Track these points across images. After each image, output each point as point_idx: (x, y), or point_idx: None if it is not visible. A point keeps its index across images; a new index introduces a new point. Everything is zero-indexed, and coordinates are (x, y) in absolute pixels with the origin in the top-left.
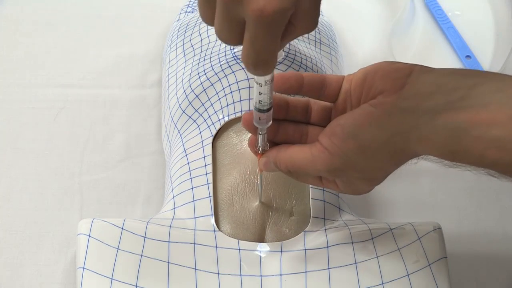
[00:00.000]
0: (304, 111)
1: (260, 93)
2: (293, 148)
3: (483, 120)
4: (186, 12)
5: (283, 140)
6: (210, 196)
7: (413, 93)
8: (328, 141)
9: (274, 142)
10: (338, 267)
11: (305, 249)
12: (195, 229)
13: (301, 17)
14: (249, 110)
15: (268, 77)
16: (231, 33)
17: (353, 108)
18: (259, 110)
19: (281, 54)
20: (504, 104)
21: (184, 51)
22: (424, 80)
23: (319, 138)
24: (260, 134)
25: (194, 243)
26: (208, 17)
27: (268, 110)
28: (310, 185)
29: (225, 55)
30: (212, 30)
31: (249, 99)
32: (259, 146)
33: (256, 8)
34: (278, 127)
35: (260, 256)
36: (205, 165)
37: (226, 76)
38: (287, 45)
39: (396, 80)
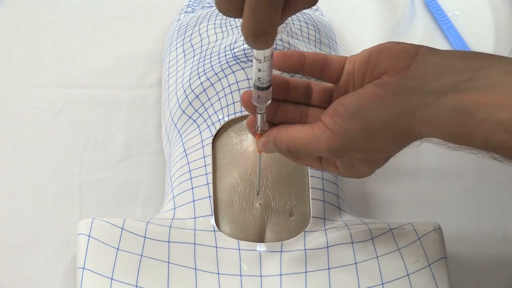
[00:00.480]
0: (305, 92)
1: (259, 70)
2: (294, 128)
3: (489, 102)
4: (186, 12)
5: (283, 121)
6: (210, 196)
7: (419, 74)
8: (331, 121)
9: (273, 123)
10: (338, 267)
11: (305, 249)
12: (195, 229)
13: None
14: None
15: (267, 53)
16: (231, 3)
17: (356, 89)
18: (258, 88)
19: (281, 30)
20: (510, 87)
21: (184, 51)
22: (430, 61)
23: (322, 117)
24: (259, 113)
25: (194, 243)
26: None
27: (267, 88)
28: (310, 185)
29: (225, 55)
30: (212, 30)
31: None
32: (258, 126)
33: None
34: (277, 107)
35: (260, 256)
36: (205, 165)
37: (226, 76)
38: (287, 46)
39: (402, 60)
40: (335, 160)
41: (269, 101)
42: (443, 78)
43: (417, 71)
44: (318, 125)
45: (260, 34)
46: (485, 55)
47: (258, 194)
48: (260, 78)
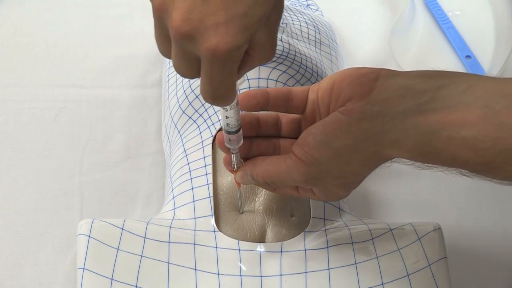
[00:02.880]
0: (274, 125)
1: (226, 117)
2: (269, 160)
3: (453, 121)
4: None
5: (257, 155)
6: (210, 197)
7: (381, 98)
8: (301, 151)
9: (247, 159)
10: (338, 267)
11: (305, 250)
12: (195, 230)
13: (258, 48)
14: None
15: (232, 103)
16: (188, 69)
17: (322, 117)
18: (228, 132)
19: (243, 80)
20: (472, 104)
21: None
22: (392, 84)
23: (293, 148)
24: (233, 153)
25: (194, 244)
26: (165, 52)
27: (237, 131)
28: None
29: None
30: None
31: None
32: (233, 164)
33: (208, 47)
34: (250, 144)
35: (260, 257)
36: (205, 166)
37: None
38: (287, 46)
39: (363, 86)
40: (311, 187)
41: (241, 142)
42: (405, 101)
43: (380, 95)
44: (290, 156)
45: (218, 98)
46: (446, 73)
47: (242, 213)
48: (229, 124)
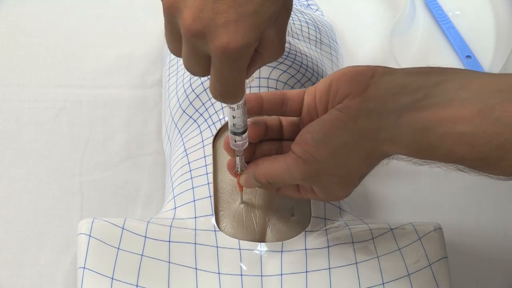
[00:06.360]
0: (278, 129)
1: (233, 117)
2: (270, 159)
3: (448, 117)
4: None
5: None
6: (210, 196)
7: (377, 95)
8: (300, 149)
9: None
10: (339, 267)
11: (305, 249)
12: (195, 229)
13: (267, 47)
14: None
15: (240, 101)
16: (199, 66)
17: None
18: (234, 133)
19: (252, 79)
20: (467, 100)
21: None
22: (387, 81)
23: (292, 147)
24: (237, 156)
25: (195, 243)
26: (175, 51)
27: (243, 132)
28: None
29: None
30: None
31: None
32: (237, 168)
33: (219, 45)
34: (255, 147)
35: (261, 256)
36: (206, 165)
37: None
38: (288, 46)
39: (360, 83)
40: (312, 186)
41: (247, 144)
42: (400, 98)
43: (375, 92)
44: (290, 155)
45: (227, 95)
46: (441, 70)
47: (242, 203)
48: (235, 124)
